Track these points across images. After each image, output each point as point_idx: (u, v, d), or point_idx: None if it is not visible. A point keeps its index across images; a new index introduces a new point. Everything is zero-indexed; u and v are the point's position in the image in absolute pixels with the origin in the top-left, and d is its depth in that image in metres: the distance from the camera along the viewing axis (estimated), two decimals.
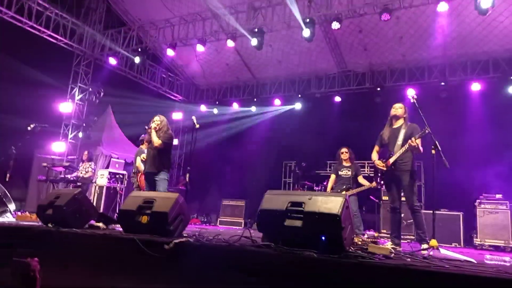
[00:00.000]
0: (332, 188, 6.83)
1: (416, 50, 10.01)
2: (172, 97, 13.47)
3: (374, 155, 5.02)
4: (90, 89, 10.87)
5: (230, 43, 9.44)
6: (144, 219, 3.85)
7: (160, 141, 5.37)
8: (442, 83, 9.64)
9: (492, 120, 8.81)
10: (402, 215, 6.66)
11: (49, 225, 4.20)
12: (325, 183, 9.24)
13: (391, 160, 4.70)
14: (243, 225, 9.93)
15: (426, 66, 10.22)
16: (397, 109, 4.93)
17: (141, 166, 6.37)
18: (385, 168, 4.77)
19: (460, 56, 9.78)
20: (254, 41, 8.84)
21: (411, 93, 9.65)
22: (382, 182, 4.99)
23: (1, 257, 3.72)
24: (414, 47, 9.92)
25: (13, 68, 9.41)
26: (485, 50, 9.38)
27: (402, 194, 4.85)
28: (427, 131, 4.41)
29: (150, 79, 12.46)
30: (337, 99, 11.18)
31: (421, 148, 4.56)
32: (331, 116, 11.04)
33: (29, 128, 6.94)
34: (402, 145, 4.64)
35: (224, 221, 10.53)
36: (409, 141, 4.45)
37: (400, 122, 4.87)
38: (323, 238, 3.12)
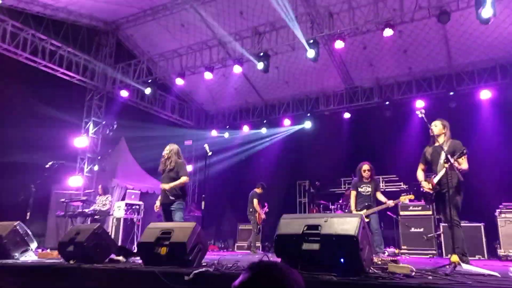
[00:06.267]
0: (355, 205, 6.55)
1: (421, 62, 10.05)
2: (183, 124, 13.69)
3: (420, 175, 4.91)
4: (104, 123, 11.12)
5: (237, 69, 9.63)
6: (163, 250, 3.89)
7: (186, 177, 5.47)
8: (451, 93, 9.61)
9: (504, 127, 8.73)
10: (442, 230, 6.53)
11: (71, 261, 4.27)
12: (340, 201, 9.20)
13: (435, 180, 4.61)
14: (261, 249, 9.85)
15: (433, 77, 10.23)
16: (433, 127, 4.80)
17: (258, 207, 9.17)
18: (431, 191, 4.64)
19: (466, 65, 9.78)
20: (260, 65, 9.00)
21: (420, 105, 9.74)
22: (426, 202, 4.90)
23: None
24: (419, 59, 9.97)
25: (29, 107, 9.72)
26: (492, 56, 9.38)
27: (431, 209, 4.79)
28: (465, 151, 4.34)
29: (161, 108, 12.72)
30: (346, 115, 11.21)
31: (463, 167, 4.43)
32: (341, 133, 11.07)
33: (47, 166, 7.12)
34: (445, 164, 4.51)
35: (241, 246, 10.46)
36: (448, 164, 4.32)
37: (441, 139, 4.75)
38: (342, 260, 3.12)
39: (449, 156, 4.32)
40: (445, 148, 4.55)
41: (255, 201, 9.22)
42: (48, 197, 10.79)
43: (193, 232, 3.96)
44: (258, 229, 9.32)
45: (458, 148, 4.50)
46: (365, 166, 6.55)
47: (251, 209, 9.26)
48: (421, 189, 4.78)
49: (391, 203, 6.31)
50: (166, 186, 5.43)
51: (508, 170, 8.16)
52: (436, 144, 4.72)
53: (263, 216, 9.28)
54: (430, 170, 4.87)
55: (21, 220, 5.42)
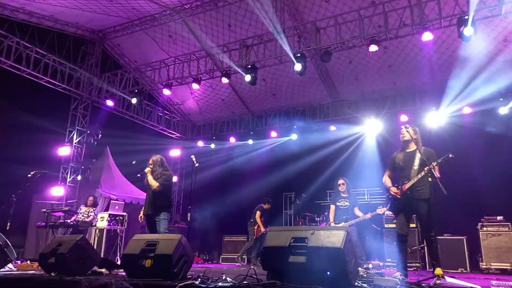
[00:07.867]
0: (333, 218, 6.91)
1: (406, 77, 10.26)
2: (169, 134, 13.60)
3: (388, 181, 4.70)
4: (88, 132, 10.97)
5: (225, 80, 9.66)
6: (148, 262, 3.83)
7: (157, 184, 5.37)
8: (434, 108, 9.82)
9: (486, 141, 8.94)
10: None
11: (52, 274, 4.16)
12: (326, 213, 9.24)
13: (407, 185, 4.42)
14: (246, 261, 9.77)
15: (417, 92, 10.45)
16: (404, 133, 4.64)
17: (259, 220, 9.25)
18: (399, 196, 4.51)
19: (448, 81, 10.01)
20: (247, 77, 9.03)
21: (404, 119, 9.92)
22: (391, 209, 4.79)
23: None
24: (403, 74, 10.19)
25: (12, 115, 9.54)
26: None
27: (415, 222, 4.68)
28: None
29: (147, 118, 12.62)
30: (332, 128, 11.33)
31: (438, 174, 4.29)
32: (327, 146, 11.15)
33: (29, 175, 6.97)
34: (419, 170, 4.37)
35: (226, 258, 10.36)
36: (428, 167, 4.25)
37: (413, 145, 4.57)
38: (328, 273, 3.13)
39: (424, 170, 4.31)
40: (419, 155, 4.44)
41: (258, 213, 9.39)
42: (29, 207, 10.54)
43: (179, 244, 3.91)
44: (253, 240, 9.27)
45: (433, 156, 4.43)
46: (340, 181, 7.02)
47: (252, 220, 9.46)
48: (388, 195, 4.64)
49: (367, 215, 6.60)
50: (155, 183, 5.35)
51: (490, 183, 8.32)
52: (407, 150, 4.62)
53: (262, 229, 9.24)
54: (397, 178, 4.68)
55: (1, 230, 5.27)
